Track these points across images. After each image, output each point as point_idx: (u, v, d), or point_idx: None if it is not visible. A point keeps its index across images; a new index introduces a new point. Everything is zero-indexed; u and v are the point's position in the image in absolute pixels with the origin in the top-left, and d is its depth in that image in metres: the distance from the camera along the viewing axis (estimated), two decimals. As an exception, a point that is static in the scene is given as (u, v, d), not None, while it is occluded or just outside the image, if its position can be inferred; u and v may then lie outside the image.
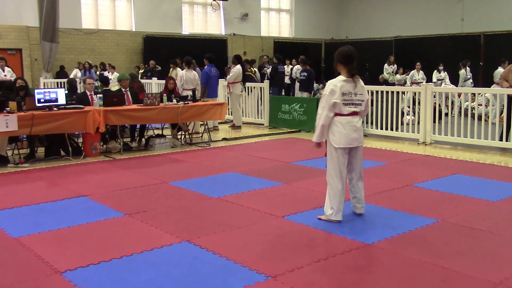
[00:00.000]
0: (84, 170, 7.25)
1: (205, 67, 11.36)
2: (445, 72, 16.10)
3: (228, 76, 11.66)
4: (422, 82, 14.78)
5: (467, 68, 15.69)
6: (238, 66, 11.61)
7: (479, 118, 9.71)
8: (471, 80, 15.36)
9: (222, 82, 12.40)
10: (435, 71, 16.13)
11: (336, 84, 4.56)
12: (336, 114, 4.59)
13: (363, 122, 4.99)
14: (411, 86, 14.74)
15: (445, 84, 15.25)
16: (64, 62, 18.38)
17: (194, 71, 11.09)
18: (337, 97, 4.52)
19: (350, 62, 4.58)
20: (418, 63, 15.97)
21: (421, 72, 15.88)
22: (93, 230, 4.55)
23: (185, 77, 10.77)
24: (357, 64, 4.65)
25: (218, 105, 9.63)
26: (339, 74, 4.69)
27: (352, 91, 4.57)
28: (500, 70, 12.42)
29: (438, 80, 15.61)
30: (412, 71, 16.04)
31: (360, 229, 4.48)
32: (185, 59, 11.01)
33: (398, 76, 16.74)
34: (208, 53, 11.98)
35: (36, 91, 8.02)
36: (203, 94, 11.12)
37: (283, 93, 15.25)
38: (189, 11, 21.78)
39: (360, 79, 4.68)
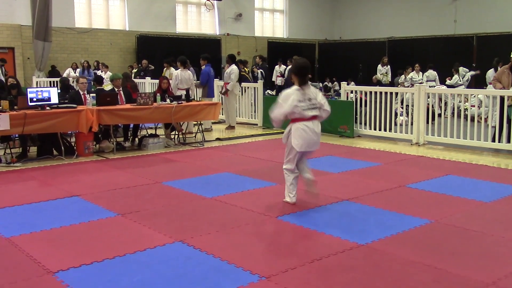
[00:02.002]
0: (77, 170, 7.21)
1: (203, 67, 11.31)
2: (434, 71, 16.15)
3: (230, 83, 11.45)
4: (422, 83, 14.82)
5: (459, 72, 15.73)
6: (235, 66, 11.58)
7: (472, 119, 9.75)
8: (463, 86, 15.36)
9: (216, 82, 12.39)
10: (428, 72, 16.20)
11: (291, 92, 5.00)
12: (298, 120, 5.01)
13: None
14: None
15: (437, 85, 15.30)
16: (57, 61, 18.29)
17: (188, 71, 11.06)
18: (293, 103, 4.94)
19: (304, 75, 5.05)
20: (416, 65, 16.00)
21: (420, 73, 15.93)
22: (86, 230, 4.52)
23: (180, 76, 10.74)
24: (308, 77, 5.13)
25: (211, 105, 9.61)
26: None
27: (305, 97, 4.99)
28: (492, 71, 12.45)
29: (427, 81, 15.63)
30: (411, 73, 16.04)
31: (353, 229, 4.48)
32: (179, 58, 10.97)
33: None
34: (204, 53, 11.93)
35: (28, 90, 7.98)
36: (204, 93, 11.17)
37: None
38: (182, 10, 21.74)
39: (311, 86, 5.13)
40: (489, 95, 9.08)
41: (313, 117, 5.05)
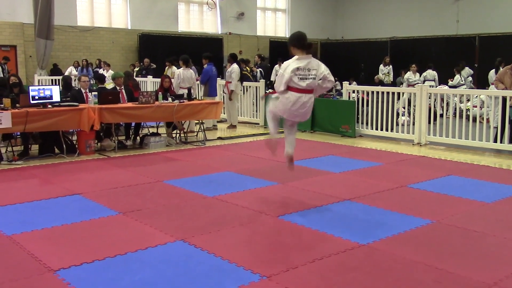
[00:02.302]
0: (78, 168, 7.21)
1: (205, 66, 11.33)
2: (434, 71, 16.13)
3: (232, 83, 11.44)
4: (419, 83, 14.77)
5: (463, 72, 15.68)
6: (236, 65, 11.59)
7: (474, 119, 9.74)
8: (464, 86, 15.33)
9: (219, 81, 12.38)
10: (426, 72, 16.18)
11: (291, 61, 5.06)
12: (291, 89, 5.03)
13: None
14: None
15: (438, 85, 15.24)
16: (58, 60, 18.31)
17: (191, 70, 11.07)
18: (291, 72, 4.97)
19: (303, 44, 5.03)
20: (413, 65, 15.95)
21: (417, 73, 15.87)
22: (87, 229, 4.52)
23: (182, 75, 10.75)
24: (309, 45, 5.11)
25: (213, 104, 9.61)
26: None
27: (306, 67, 5.01)
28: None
29: (425, 81, 15.57)
30: (408, 73, 15.99)
31: (355, 229, 4.47)
32: (182, 57, 10.97)
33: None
34: (205, 52, 11.93)
35: (30, 88, 7.98)
36: (205, 92, 11.20)
37: None
38: (185, 9, 21.75)
39: (312, 58, 5.10)
40: (491, 95, 9.06)
41: (307, 90, 5.05)
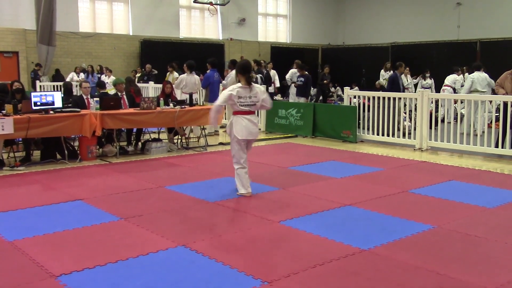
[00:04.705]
0: (80, 174, 7.23)
1: (208, 71, 11.39)
2: (432, 80, 16.14)
3: (224, 82, 11.68)
4: (410, 87, 14.75)
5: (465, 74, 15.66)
6: (234, 72, 11.64)
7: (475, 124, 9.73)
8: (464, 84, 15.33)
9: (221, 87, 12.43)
10: (420, 77, 16.23)
11: (234, 88, 5.67)
12: (237, 113, 5.71)
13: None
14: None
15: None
16: (60, 66, 18.35)
17: (195, 76, 11.11)
18: (227, 96, 5.65)
19: (247, 72, 5.71)
20: (407, 69, 15.92)
21: (408, 77, 15.85)
22: (89, 234, 4.53)
23: (185, 81, 10.78)
24: (251, 74, 5.81)
25: (214, 110, 9.61)
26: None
27: (247, 95, 5.67)
28: (454, 76, 12.79)
29: (423, 87, 15.55)
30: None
31: (356, 234, 4.48)
32: (187, 62, 11.05)
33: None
34: (207, 57, 12.01)
35: (32, 94, 8.01)
36: (206, 98, 11.24)
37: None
38: (186, 15, 21.81)
39: (256, 85, 5.84)
40: (492, 100, 9.06)
41: (251, 112, 5.74)
